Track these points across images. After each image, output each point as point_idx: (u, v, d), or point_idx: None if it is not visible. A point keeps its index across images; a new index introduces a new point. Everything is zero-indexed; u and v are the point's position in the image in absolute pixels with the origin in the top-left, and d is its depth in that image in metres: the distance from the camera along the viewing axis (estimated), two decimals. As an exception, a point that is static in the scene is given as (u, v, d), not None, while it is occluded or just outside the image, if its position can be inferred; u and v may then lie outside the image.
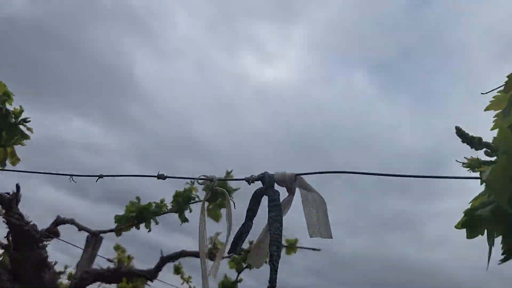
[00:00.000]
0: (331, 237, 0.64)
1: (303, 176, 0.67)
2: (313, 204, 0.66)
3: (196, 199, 1.99)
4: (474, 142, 0.50)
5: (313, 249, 2.47)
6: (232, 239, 0.68)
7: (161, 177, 0.83)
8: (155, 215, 1.95)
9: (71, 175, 0.92)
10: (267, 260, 0.61)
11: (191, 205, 1.99)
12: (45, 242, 1.77)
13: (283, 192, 0.68)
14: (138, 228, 1.96)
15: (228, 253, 0.70)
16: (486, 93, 0.53)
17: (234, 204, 0.71)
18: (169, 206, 2.10)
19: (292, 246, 2.46)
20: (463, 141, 0.51)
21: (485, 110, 0.53)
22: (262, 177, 0.68)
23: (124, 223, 1.91)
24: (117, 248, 2.86)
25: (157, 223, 1.96)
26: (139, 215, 1.92)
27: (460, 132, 0.51)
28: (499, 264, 0.45)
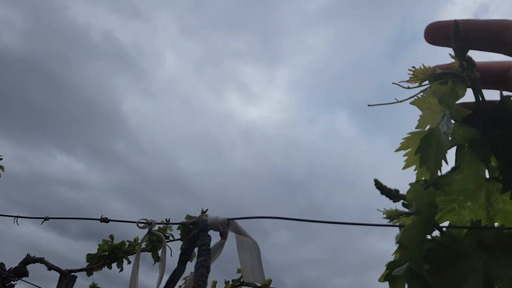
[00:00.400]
0: (264, 281, 0.63)
1: (236, 220, 0.66)
2: (247, 249, 0.64)
3: (171, 238, 1.96)
4: (392, 195, 0.49)
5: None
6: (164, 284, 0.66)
7: (104, 220, 0.82)
8: (127, 254, 1.91)
9: (16, 217, 0.90)
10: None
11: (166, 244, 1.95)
12: (12, 282, 1.73)
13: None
14: (109, 267, 1.91)
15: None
16: (373, 105, 0.52)
17: (171, 250, 0.69)
18: (143, 245, 2.07)
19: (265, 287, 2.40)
20: (381, 193, 0.50)
21: (396, 150, 0.53)
22: (196, 222, 0.66)
23: (95, 262, 1.87)
24: (92, 287, 2.78)
25: (129, 262, 1.92)
26: (111, 254, 1.88)
27: (378, 185, 0.50)
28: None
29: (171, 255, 0.71)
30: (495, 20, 0.41)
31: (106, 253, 1.89)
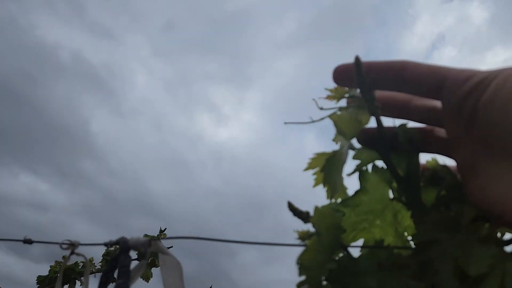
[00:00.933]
0: (185, 302, 0.63)
1: (160, 241, 0.66)
2: (170, 268, 0.64)
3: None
4: (303, 217, 0.51)
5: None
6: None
7: (28, 241, 0.79)
8: (80, 275, 1.84)
9: None
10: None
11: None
12: None
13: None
14: (61, 290, 1.82)
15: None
16: (289, 123, 0.54)
17: (94, 269, 0.68)
18: (98, 266, 2.00)
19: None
20: (294, 215, 0.52)
21: (305, 170, 0.55)
22: (118, 242, 0.66)
23: (46, 284, 1.79)
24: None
25: (82, 283, 1.85)
26: (63, 275, 1.80)
27: (290, 207, 0.52)
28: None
29: (95, 276, 0.69)
30: (395, 60, 0.44)
31: (58, 274, 1.80)
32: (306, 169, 0.55)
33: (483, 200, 0.37)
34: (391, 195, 0.54)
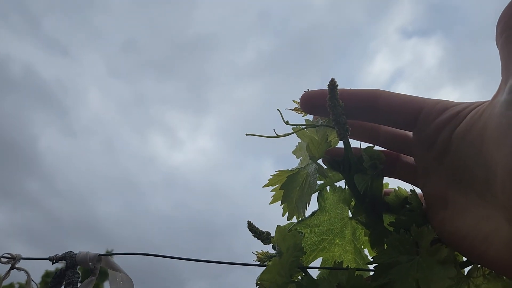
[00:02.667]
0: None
1: (109, 256, 0.63)
2: (121, 285, 0.62)
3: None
4: (263, 237, 0.51)
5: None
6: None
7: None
8: None
9: None
10: None
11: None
12: None
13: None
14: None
15: None
16: (250, 135, 0.54)
17: (36, 285, 0.64)
18: (36, 287, 1.88)
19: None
20: (254, 236, 0.52)
21: (264, 186, 0.55)
22: (64, 257, 0.62)
23: None
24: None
25: None
26: None
27: (250, 227, 0.52)
28: None
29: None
30: (368, 89, 0.44)
31: None
32: (266, 185, 0.54)
33: (451, 232, 0.38)
34: (349, 214, 0.55)
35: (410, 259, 0.41)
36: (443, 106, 0.37)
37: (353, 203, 0.53)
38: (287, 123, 0.53)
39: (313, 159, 0.50)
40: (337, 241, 0.56)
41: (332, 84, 0.44)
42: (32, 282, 0.64)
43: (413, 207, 0.45)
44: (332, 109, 0.45)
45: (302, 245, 0.52)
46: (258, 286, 0.43)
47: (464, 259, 0.42)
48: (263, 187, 0.54)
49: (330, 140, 0.51)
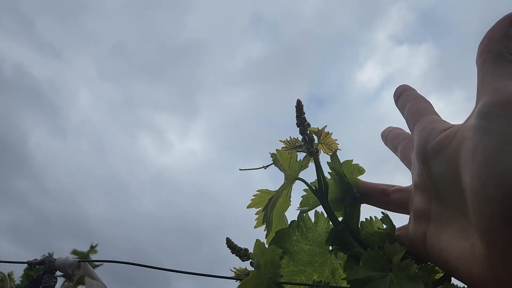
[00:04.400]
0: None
1: (88, 262, 0.65)
2: (95, 295, 0.63)
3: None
4: (241, 254, 0.54)
5: None
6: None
7: None
8: None
9: None
10: None
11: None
12: None
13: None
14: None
15: None
16: (244, 169, 0.58)
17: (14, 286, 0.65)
18: (18, 281, 1.90)
19: None
20: (232, 252, 0.55)
21: (248, 207, 0.59)
22: (43, 261, 0.64)
23: None
24: None
25: None
26: None
27: (229, 244, 0.55)
28: None
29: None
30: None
31: None
32: (249, 206, 0.58)
33: (431, 246, 0.40)
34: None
35: (383, 276, 0.44)
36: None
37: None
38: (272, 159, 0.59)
39: (286, 174, 0.55)
40: (315, 277, 0.57)
41: (298, 104, 0.51)
42: (9, 284, 0.66)
43: (386, 229, 0.49)
44: (299, 126, 0.51)
45: (281, 273, 0.55)
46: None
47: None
48: (247, 207, 0.58)
49: (300, 159, 0.56)
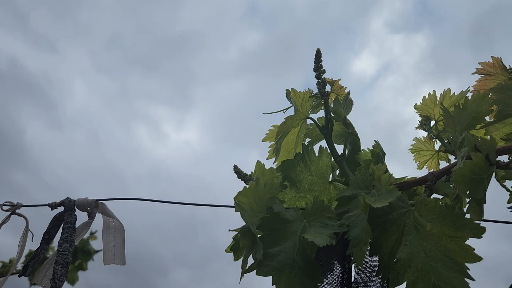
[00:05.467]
0: (124, 264, 0.68)
1: (104, 201, 0.71)
2: (112, 232, 0.69)
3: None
4: (246, 178, 0.60)
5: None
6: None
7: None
8: (1, 276, 1.79)
9: None
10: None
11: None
12: None
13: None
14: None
15: (19, 276, 0.70)
16: (267, 113, 0.64)
17: (32, 234, 0.71)
18: (19, 267, 1.97)
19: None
20: (238, 177, 0.61)
21: (262, 140, 0.65)
22: (64, 202, 0.70)
23: None
24: None
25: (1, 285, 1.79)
26: None
27: (236, 170, 0.61)
28: (245, 273, 0.52)
29: (32, 240, 0.73)
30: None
31: None
32: (264, 140, 0.65)
33: None
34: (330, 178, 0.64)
35: (367, 192, 0.50)
36: None
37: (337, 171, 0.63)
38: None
39: (300, 115, 0.61)
40: None
41: (317, 52, 0.56)
42: (29, 231, 0.72)
43: (374, 152, 0.54)
44: (315, 71, 0.56)
45: (283, 198, 0.61)
46: (235, 203, 0.51)
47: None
48: (262, 141, 0.64)
49: (312, 101, 0.61)
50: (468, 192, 0.45)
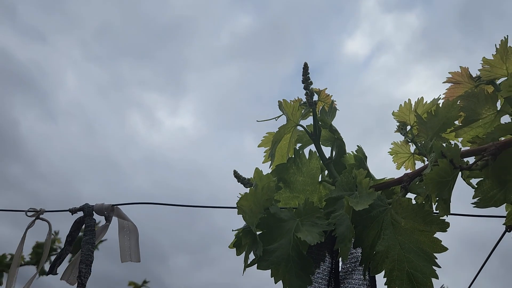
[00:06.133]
0: (139, 261, 0.76)
1: (120, 206, 0.79)
2: (127, 232, 0.77)
3: (58, 250, 1.99)
4: (245, 182, 0.68)
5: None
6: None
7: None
8: (9, 267, 1.88)
9: None
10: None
11: (52, 257, 1.99)
12: None
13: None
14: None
15: (46, 274, 0.78)
16: (260, 121, 0.72)
17: (55, 233, 0.79)
18: (27, 259, 2.07)
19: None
20: (238, 181, 0.69)
21: (258, 146, 0.73)
22: (83, 208, 0.78)
23: None
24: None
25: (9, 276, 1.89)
26: None
27: (236, 174, 0.68)
28: (247, 267, 0.61)
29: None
30: None
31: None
32: (259, 145, 0.72)
33: None
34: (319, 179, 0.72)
35: (351, 194, 0.57)
36: None
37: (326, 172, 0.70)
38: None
39: (291, 122, 0.68)
40: None
41: (305, 66, 0.64)
42: (52, 230, 0.80)
43: (357, 157, 0.62)
44: (303, 83, 0.64)
45: (279, 198, 0.69)
46: (238, 207, 0.59)
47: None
48: (258, 146, 0.72)
49: (302, 110, 0.69)
50: (436, 193, 0.52)
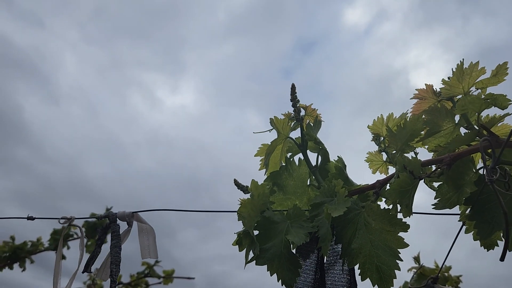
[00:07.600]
0: (157, 257, 0.89)
1: (139, 213, 0.92)
2: (146, 233, 0.90)
3: (75, 236, 2.13)
4: (244, 189, 0.80)
5: (188, 278, 2.67)
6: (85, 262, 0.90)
7: (30, 218, 1.01)
8: (30, 254, 2.03)
9: None
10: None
11: (69, 242, 2.13)
12: None
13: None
14: (11, 268, 2.01)
15: (82, 272, 0.91)
16: (257, 132, 0.83)
17: (86, 237, 0.91)
18: (46, 245, 2.19)
19: (168, 277, 2.65)
20: (238, 188, 0.80)
21: (255, 156, 0.84)
22: (107, 215, 0.91)
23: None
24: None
25: (32, 261, 2.04)
26: (12, 254, 1.99)
27: (236, 183, 0.80)
28: (247, 263, 0.73)
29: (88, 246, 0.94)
30: None
31: (7, 254, 1.99)
32: (256, 155, 0.84)
33: None
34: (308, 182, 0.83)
35: (331, 200, 0.69)
36: None
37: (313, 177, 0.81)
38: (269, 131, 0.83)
39: (281, 136, 0.79)
40: (297, 202, 0.83)
41: (292, 87, 0.74)
42: (84, 238, 0.93)
43: (337, 166, 0.73)
44: (292, 101, 0.75)
45: (273, 200, 0.80)
46: (238, 214, 0.71)
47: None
48: (254, 156, 0.84)
49: (291, 125, 0.80)
50: (398, 200, 0.64)
